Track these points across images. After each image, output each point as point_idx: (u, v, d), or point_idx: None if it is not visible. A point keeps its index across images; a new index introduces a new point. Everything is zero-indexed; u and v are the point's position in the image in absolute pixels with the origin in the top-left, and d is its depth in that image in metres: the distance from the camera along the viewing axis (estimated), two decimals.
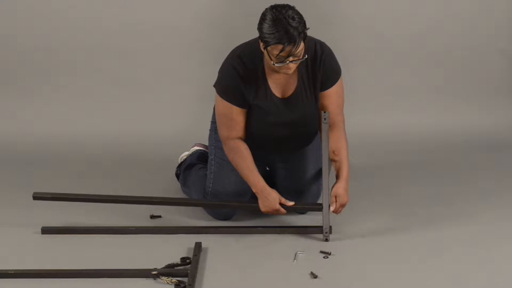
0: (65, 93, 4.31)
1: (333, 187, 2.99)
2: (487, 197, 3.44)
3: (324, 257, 2.84)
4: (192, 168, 3.43)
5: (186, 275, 2.66)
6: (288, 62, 2.82)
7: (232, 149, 3.04)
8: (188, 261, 2.77)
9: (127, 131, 4.22)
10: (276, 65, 2.84)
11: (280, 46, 2.78)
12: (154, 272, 2.68)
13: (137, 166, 3.85)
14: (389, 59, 4.34)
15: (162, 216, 3.24)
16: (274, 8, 2.80)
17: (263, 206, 3.02)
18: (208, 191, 3.20)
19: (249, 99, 3.00)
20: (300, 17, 2.80)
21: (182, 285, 2.62)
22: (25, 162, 3.93)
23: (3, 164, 3.93)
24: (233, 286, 2.65)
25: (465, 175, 3.74)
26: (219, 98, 3.02)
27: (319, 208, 3.00)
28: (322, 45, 3.00)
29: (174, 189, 3.48)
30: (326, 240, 2.97)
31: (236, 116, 3.01)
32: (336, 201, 2.97)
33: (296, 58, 2.83)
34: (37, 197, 3.11)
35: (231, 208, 3.17)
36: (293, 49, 2.78)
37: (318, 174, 3.19)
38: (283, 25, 2.75)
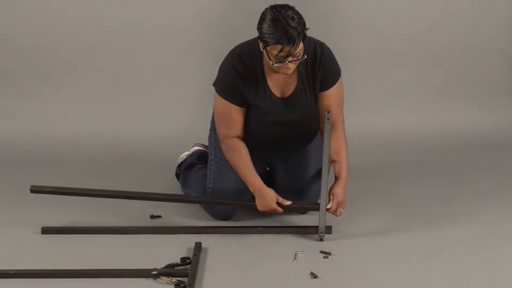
0: (65, 93, 4.31)
1: (331, 186, 2.99)
2: (487, 197, 3.44)
3: (324, 257, 2.84)
4: (192, 168, 3.43)
5: (186, 275, 2.66)
6: (287, 62, 2.82)
7: (230, 148, 3.04)
8: (188, 261, 2.77)
9: (127, 131, 4.21)
10: (275, 65, 2.84)
11: (279, 46, 2.78)
12: (154, 272, 2.68)
13: (137, 166, 3.85)
14: (389, 59, 4.34)
15: (162, 216, 3.24)
16: (274, 8, 2.80)
17: (260, 205, 3.02)
18: (208, 191, 3.20)
19: (249, 99, 3.00)
20: (300, 17, 2.80)
21: (182, 285, 2.62)
22: (25, 162, 3.93)
23: (3, 164, 3.92)
24: (233, 286, 2.65)
25: (465, 175, 3.74)
26: (218, 97, 3.03)
27: (316, 207, 3.00)
28: (322, 45, 3.00)
29: (174, 189, 3.48)
30: (321, 240, 2.97)
31: (235, 115, 3.01)
32: (333, 199, 2.97)
33: (295, 58, 2.83)
34: (35, 190, 3.10)
35: (228, 205, 3.17)
36: (292, 49, 2.78)
37: (318, 174, 3.19)
38: (282, 25, 2.75)
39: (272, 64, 2.84)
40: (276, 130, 3.07)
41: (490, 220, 3.16)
